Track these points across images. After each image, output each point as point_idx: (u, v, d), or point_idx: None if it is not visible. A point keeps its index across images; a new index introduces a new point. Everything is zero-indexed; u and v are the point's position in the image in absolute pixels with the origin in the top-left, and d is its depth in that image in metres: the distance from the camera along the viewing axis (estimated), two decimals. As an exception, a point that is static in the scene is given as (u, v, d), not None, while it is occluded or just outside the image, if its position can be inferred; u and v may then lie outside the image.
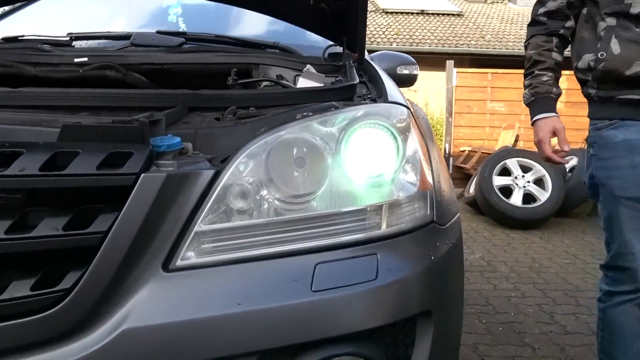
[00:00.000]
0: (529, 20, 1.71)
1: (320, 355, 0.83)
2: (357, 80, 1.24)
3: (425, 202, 0.99)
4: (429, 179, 1.03)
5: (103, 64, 1.44)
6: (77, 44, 1.73)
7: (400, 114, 1.01)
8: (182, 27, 2.12)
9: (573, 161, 5.57)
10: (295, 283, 0.83)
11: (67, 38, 1.74)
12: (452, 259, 1.02)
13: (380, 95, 1.19)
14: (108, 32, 2.04)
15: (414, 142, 1.00)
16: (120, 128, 0.85)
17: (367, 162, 0.92)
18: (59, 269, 0.76)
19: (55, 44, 1.64)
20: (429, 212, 0.99)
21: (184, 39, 1.69)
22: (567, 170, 5.43)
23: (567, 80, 6.93)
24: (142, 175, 0.79)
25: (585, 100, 1.63)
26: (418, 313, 0.90)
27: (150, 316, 0.78)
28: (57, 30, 1.84)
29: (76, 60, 1.48)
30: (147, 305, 0.78)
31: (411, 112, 1.08)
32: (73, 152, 0.78)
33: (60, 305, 0.75)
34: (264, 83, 1.47)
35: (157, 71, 1.51)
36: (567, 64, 1.65)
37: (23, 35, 1.70)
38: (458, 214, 1.14)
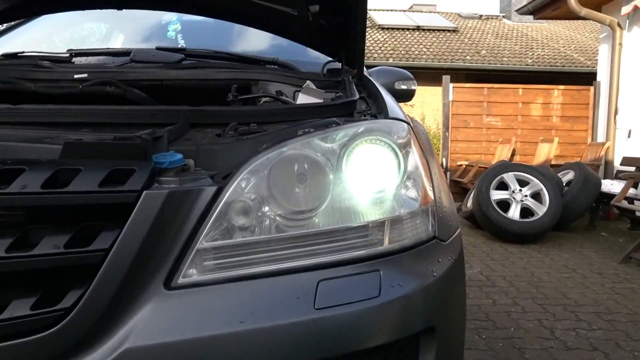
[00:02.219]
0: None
1: (323, 374, 0.82)
2: (357, 95, 1.24)
3: (427, 218, 0.99)
4: (430, 194, 1.03)
5: (103, 80, 1.44)
6: (76, 60, 1.74)
7: (401, 129, 1.01)
8: (181, 44, 2.13)
9: (569, 175, 5.60)
10: (298, 300, 0.82)
11: (67, 54, 1.74)
12: (454, 274, 1.02)
13: (380, 111, 1.19)
14: (108, 48, 2.05)
15: (414, 157, 1.00)
16: (122, 145, 0.85)
17: (369, 178, 0.92)
18: (59, 288, 0.75)
19: (55, 60, 1.65)
20: (430, 228, 0.99)
21: (183, 55, 1.70)
22: (564, 184, 5.44)
23: (563, 95, 7.05)
24: (145, 192, 0.78)
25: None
26: (421, 330, 0.90)
27: (152, 335, 0.77)
28: (57, 46, 1.85)
29: (76, 76, 1.48)
30: (148, 323, 0.77)
31: (411, 128, 1.08)
32: (75, 169, 0.78)
33: (61, 324, 0.74)
34: (264, 99, 1.47)
35: (157, 87, 1.51)
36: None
37: (23, 52, 1.71)
38: (459, 229, 1.14)
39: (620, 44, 6.44)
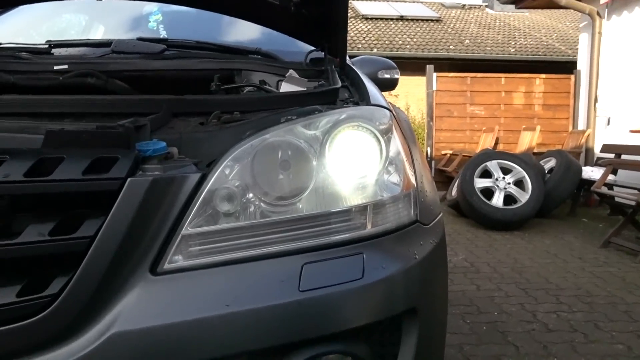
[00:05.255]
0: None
1: (308, 354, 0.84)
2: (340, 84, 1.26)
3: (408, 202, 1.01)
4: (412, 179, 1.05)
5: (83, 71, 1.43)
6: (56, 51, 1.72)
7: (382, 116, 1.03)
8: (163, 34, 2.11)
9: (551, 162, 5.68)
10: (282, 283, 0.84)
11: (46, 46, 1.72)
12: (436, 257, 1.04)
13: (362, 98, 1.20)
14: (88, 39, 2.03)
15: (396, 143, 1.02)
16: (105, 133, 0.85)
17: (351, 164, 0.94)
18: (46, 275, 0.76)
19: (34, 51, 1.62)
20: (412, 212, 1.01)
21: (165, 46, 1.68)
22: (546, 171, 5.52)
23: (544, 84, 7.11)
24: (129, 179, 0.79)
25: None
26: (404, 311, 0.92)
27: (139, 319, 0.78)
28: (36, 38, 1.82)
29: (56, 67, 1.46)
30: (135, 308, 0.78)
31: (393, 115, 1.10)
32: (58, 157, 0.78)
33: (48, 310, 0.75)
34: (247, 88, 1.47)
35: (138, 78, 1.50)
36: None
37: (0, 44, 1.68)
38: (441, 214, 1.17)
39: (600, 33, 6.52)
